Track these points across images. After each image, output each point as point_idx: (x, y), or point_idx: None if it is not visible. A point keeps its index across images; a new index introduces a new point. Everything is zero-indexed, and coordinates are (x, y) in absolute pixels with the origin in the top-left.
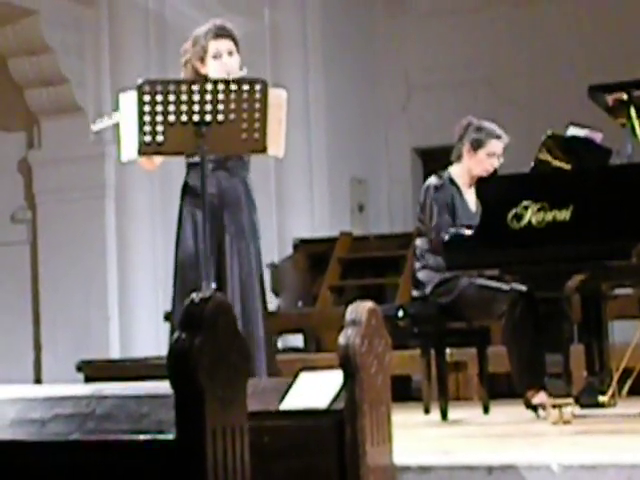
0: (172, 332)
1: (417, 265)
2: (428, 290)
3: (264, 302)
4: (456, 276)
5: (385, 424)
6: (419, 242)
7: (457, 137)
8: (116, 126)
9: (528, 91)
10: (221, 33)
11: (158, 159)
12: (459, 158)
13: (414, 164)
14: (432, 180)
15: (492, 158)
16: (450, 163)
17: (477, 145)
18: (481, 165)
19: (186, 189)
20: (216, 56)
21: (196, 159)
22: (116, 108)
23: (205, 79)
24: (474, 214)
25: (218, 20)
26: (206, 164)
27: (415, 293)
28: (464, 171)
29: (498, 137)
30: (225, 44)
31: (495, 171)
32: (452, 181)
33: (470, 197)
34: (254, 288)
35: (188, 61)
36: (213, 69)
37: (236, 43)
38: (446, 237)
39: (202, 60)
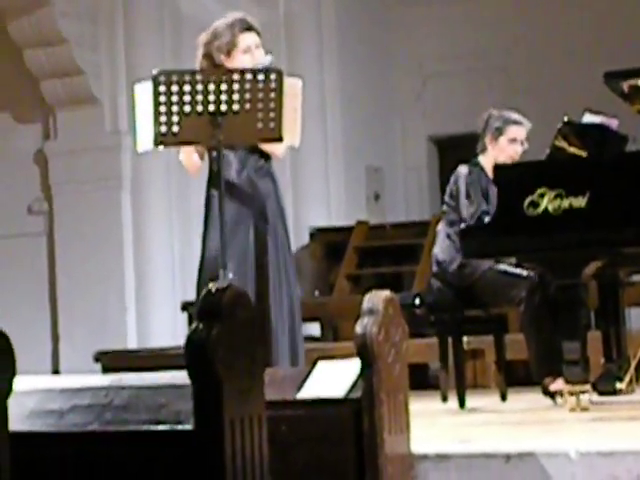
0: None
1: (439, 245)
2: (452, 268)
3: (298, 305)
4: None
5: (403, 413)
6: (442, 225)
7: (480, 130)
8: (131, 113)
9: (543, 78)
10: (248, 27)
11: (198, 161)
12: (484, 150)
13: (429, 152)
14: (463, 169)
15: (514, 144)
16: (475, 154)
17: (498, 133)
18: (505, 152)
19: (214, 180)
20: (247, 50)
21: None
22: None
23: (219, 69)
24: None
25: (238, 13)
26: (222, 154)
27: (435, 269)
28: (490, 160)
29: (516, 122)
30: (253, 38)
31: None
32: (482, 169)
33: None
34: (292, 277)
35: (207, 54)
36: (243, 63)
37: (260, 35)
38: (462, 226)
39: (229, 53)
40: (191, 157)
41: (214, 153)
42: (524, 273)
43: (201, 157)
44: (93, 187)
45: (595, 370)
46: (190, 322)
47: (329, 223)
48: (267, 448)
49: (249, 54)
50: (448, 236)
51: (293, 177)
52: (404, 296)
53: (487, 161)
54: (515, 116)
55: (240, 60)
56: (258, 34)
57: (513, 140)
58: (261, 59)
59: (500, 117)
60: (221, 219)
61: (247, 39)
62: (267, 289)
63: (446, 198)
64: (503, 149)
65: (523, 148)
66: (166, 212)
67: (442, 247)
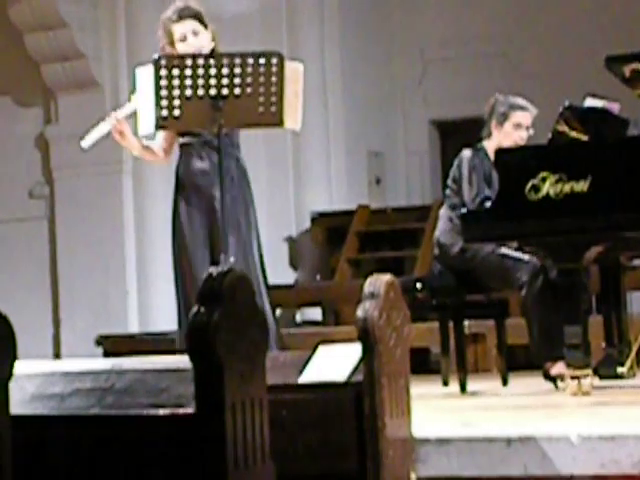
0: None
1: (441, 228)
2: (455, 250)
3: (265, 276)
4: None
5: (404, 396)
6: (444, 209)
7: (486, 116)
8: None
9: (544, 63)
10: (183, 14)
11: (161, 153)
12: (489, 135)
13: (431, 136)
14: (467, 152)
15: (519, 130)
16: (480, 139)
17: (503, 118)
18: (509, 137)
19: (179, 168)
20: (182, 39)
21: (186, 139)
22: (102, 118)
23: (220, 53)
24: None
25: (180, 1)
26: (223, 139)
27: (437, 253)
28: (494, 145)
29: (522, 108)
30: (188, 25)
31: None
32: (486, 154)
33: None
34: (254, 262)
35: (162, 48)
36: (182, 51)
37: (201, 21)
38: (463, 210)
39: (172, 44)
40: (147, 156)
41: (181, 140)
42: (526, 257)
43: (169, 147)
44: (94, 171)
45: (596, 354)
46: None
47: (330, 207)
48: (268, 432)
49: (184, 43)
50: (450, 220)
51: (294, 161)
52: (405, 280)
53: (492, 146)
54: (521, 102)
55: (180, 49)
56: (198, 19)
57: (518, 125)
58: (200, 45)
59: (506, 102)
60: (222, 202)
61: (180, 28)
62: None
63: (449, 182)
64: (508, 134)
65: (528, 134)
66: (167, 196)
67: (444, 231)
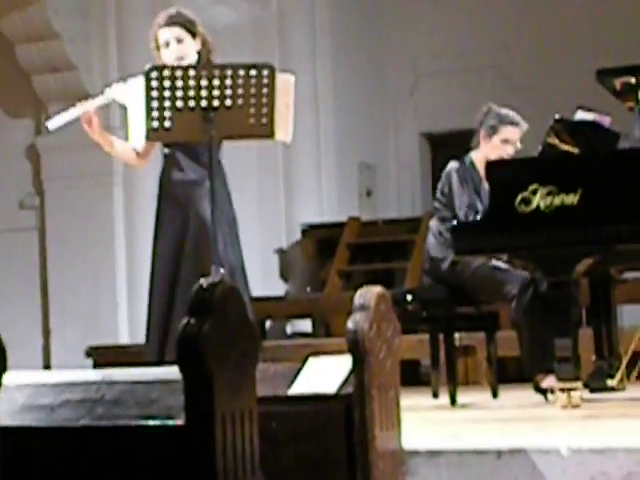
0: (149, 323)
1: (431, 242)
2: (444, 266)
3: (247, 288)
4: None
5: (394, 409)
6: (434, 222)
7: (478, 124)
8: (123, 109)
9: (536, 76)
10: (170, 21)
11: (140, 160)
12: (477, 145)
13: (422, 149)
14: (454, 164)
15: (507, 145)
16: (470, 149)
17: (492, 131)
18: (496, 151)
19: (161, 178)
20: (165, 45)
21: (169, 150)
22: (73, 103)
23: (212, 65)
24: None
25: (173, 8)
26: (215, 150)
27: (427, 266)
28: (481, 157)
29: (513, 123)
30: (173, 32)
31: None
32: (473, 166)
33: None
34: (236, 274)
35: (153, 50)
36: (165, 57)
37: (188, 29)
38: (454, 223)
39: (158, 49)
40: (120, 155)
41: (165, 150)
42: (516, 270)
43: (144, 153)
44: (85, 182)
45: (586, 367)
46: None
47: (321, 219)
48: (258, 444)
49: (168, 48)
50: (440, 233)
51: (285, 173)
52: (396, 292)
53: (479, 157)
54: (513, 116)
55: (163, 55)
56: (185, 27)
57: (506, 141)
58: (181, 53)
59: (497, 115)
60: (213, 211)
61: (164, 35)
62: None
63: (437, 194)
64: (495, 148)
65: (515, 149)
66: None
67: (434, 244)
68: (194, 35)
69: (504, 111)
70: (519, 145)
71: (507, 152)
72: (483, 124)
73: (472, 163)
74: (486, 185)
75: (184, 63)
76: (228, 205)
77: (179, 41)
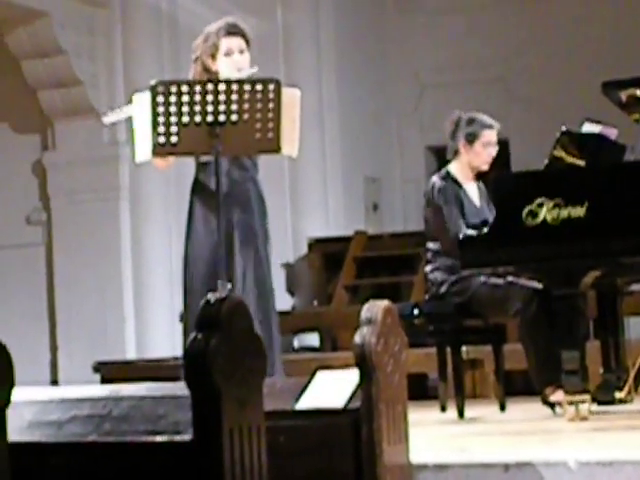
0: (185, 331)
1: (429, 267)
2: (443, 289)
3: (274, 303)
4: (470, 275)
5: (401, 423)
6: (431, 244)
7: (449, 134)
8: (129, 124)
9: (540, 89)
10: (233, 31)
11: (172, 158)
12: (456, 154)
13: (427, 162)
14: (435, 180)
15: (489, 148)
16: (447, 162)
17: (472, 138)
18: (480, 157)
19: (197, 186)
20: (228, 54)
21: (206, 158)
22: (129, 102)
23: (218, 79)
24: (479, 209)
25: (231, 18)
26: (220, 164)
27: (428, 295)
28: (463, 166)
29: (490, 127)
30: (236, 42)
31: (494, 160)
32: (453, 179)
33: (472, 191)
34: (266, 289)
35: (198, 57)
36: (224, 66)
37: (247, 41)
38: (460, 236)
39: (213, 57)
40: (166, 160)
41: (202, 158)
42: (518, 284)
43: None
44: (91, 197)
45: (594, 380)
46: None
47: (327, 233)
48: (266, 458)
49: (229, 57)
50: (434, 258)
51: (291, 188)
52: (402, 306)
53: (460, 167)
54: (487, 120)
55: (222, 63)
56: (246, 40)
57: (488, 144)
58: (243, 65)
59: (473, 121)
60: (218, 227)
61: (229, 42)
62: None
63: (424, 211)
64: (478, 153)
65: (495, 150)
66: (164, 222)
67: (430, 269)
68: (249, 48)
69: (478, 116)
70: (496, 147)
71: (490, 154)
72: (458, 133)
73: (452, 177)
74: (470, 193)
75: (243, 75)
76: (261, 224)
77: (241, 52)
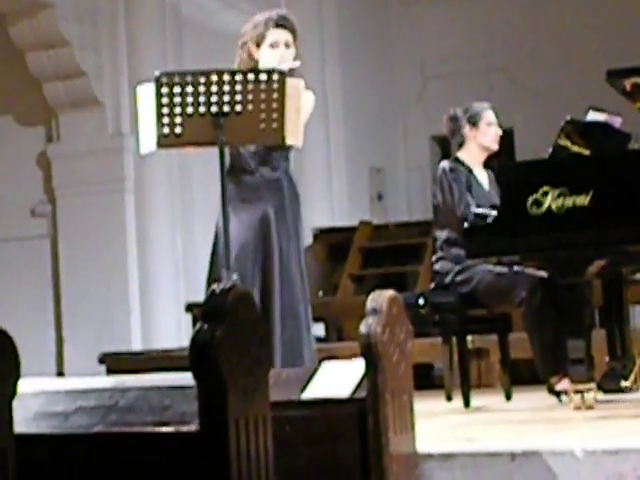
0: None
1: (435, 256)
2: (448, 279)
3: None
4: (475, 265)
5: (407, 412)
6: (438, 233)
7: (450, 133)
8: (134, 116)
9: (545, 78)
10: (282, 23)
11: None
12: (462, 144)
13: (432, 152)
14: (444, 163)
15: (493, 126)
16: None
17: (475, 119)
18: (488, 135)
19: (234, 173)
20: (273, 45)
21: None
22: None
23: (222, 70)
24: (488, 193)
25: (281, 10)
26: (225, 156)
27: (433, 284)
28: (472, 152)
29: (487, 108)
30: (284, 35)
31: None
32: (461, 163)
33: (482, 177)
34: (296, 282)
35: (245, 43)
36: (268, 57)
37: (295, 36)
38: (466, 225)
39: (258, 45)
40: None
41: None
42: (523, 273)
43: None
44: (96, 189)
45: (600, 368)
46: (194, 323)
47: (332, 224)
48: (272, 448)
49: (275, 49)
50: (441, 247)
51: (296, 178)
52: (408, 296)
53: (469, 153)
54: (483, 104)
55: (265, 53)
56: (293, 33)
57: (491, 123)
58: (287, 58)
59: (470, 109)
60: (224, 221)
61: (276, 34)
62: (271, 285)
63: (434, 199)
64: (485, 132)
65: (499, 130)
66: (169, 214)
67: (436, 258)
68: (296, 43)
69: (471, 104)
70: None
71: (496, 132)
72: (458, 124)
73: (461, 162)
74: (479, 178)
75: (284, 68)
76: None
77: (287, 45)
